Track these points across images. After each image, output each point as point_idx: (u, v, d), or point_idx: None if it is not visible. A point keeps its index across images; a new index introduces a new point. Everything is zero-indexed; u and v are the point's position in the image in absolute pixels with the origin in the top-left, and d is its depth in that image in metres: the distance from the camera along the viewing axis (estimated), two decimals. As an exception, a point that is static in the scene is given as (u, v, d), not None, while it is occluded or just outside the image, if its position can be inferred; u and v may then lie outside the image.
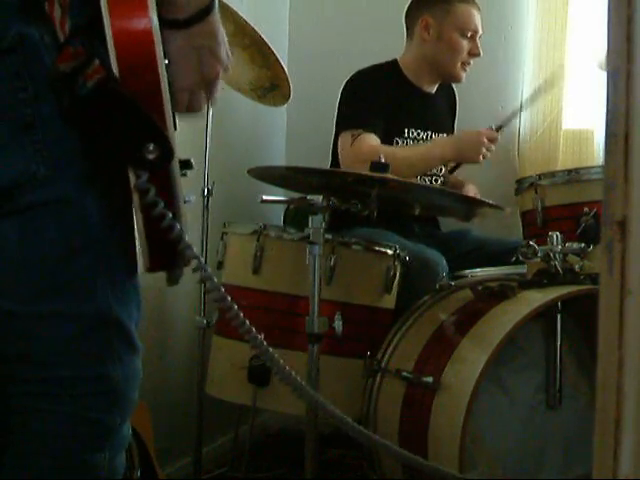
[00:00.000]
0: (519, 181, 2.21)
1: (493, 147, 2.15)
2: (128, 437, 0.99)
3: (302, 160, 2.48)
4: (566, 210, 1.98)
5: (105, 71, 0.82)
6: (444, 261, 1.98)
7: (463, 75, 2.33)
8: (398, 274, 1.84)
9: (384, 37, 2.50)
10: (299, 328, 1.64)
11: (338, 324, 1.70)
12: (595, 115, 2.67)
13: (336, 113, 2.30)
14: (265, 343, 0.98)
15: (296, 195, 1.74)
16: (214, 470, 2.04)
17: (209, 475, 2.00)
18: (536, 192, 2.04)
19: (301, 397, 1.01)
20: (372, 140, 2.17)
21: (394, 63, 2.35)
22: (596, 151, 2.64)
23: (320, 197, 1.60)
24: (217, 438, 2.22)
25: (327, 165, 2.32)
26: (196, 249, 0.89)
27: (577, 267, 1.66)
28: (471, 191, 2.33)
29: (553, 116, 2.68)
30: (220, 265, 1.92)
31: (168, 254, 0.92)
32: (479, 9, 2.31)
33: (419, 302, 1.78)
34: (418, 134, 2.32)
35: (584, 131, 2.70)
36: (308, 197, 1.62)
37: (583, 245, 1.68)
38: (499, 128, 2.20)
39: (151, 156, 0.83)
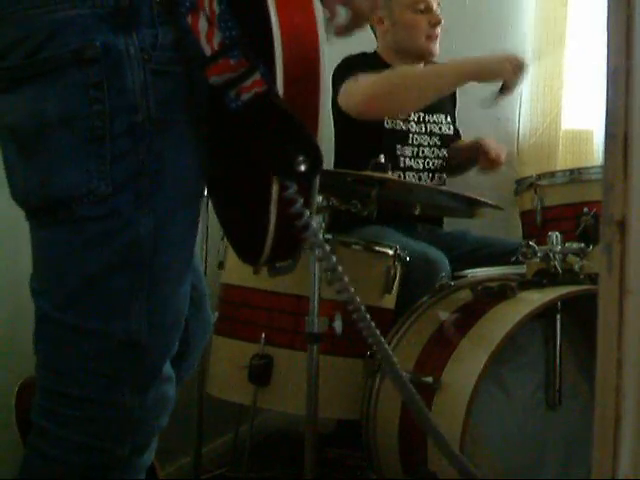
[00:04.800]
0: (518, 181, 2.21)
1: (520, 75, 1.92)
2: (142, 467, 0.96)
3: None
4: (566, 210, 1.98)
5: (266, 84, 0.81)
6: (446, 260, 1.97)
7: (434, 47, 2.26)
8: (398, 274, 1.84)
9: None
10: (301, 328, 1.64)
11: (338, 324, 1.70)
12: (595, 115, 2.67)
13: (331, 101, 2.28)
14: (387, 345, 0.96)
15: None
16: (214, 470, 2.04)
17: (209, 475, 2.00)
18: (535, 192, 2.05)
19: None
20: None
21: (374, 53, 2.33)
22: (596, 151, 2.64)
23: (320, 197, 1.60)
24: (217, 438, 2.21)
25: (329, 165, 2.31)
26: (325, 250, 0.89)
27: (577, 267, 1.66)
28: (491, 144, 2.23)
29: (552, 116, 2.68)
30: (221, 265, 1.92)
31: (286, 251, 0.92)
32: None
33: (419, 302, 1.78)
34: (408, 115, 2.27)
35: (584, 131, 2.71)
36: (308, 197, 1.61)
37: (583, 245, 1.68)
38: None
39: (301, 168, 0.82)
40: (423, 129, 2.30)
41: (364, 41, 2.29)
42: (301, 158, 0.82)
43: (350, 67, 2.16)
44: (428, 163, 2.31)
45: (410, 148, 2.27)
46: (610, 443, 0.52)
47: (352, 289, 0.90)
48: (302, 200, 0.84)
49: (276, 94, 0.81)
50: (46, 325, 0.91)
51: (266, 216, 0.86)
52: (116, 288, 0.88)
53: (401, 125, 2.26)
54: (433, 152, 2.32)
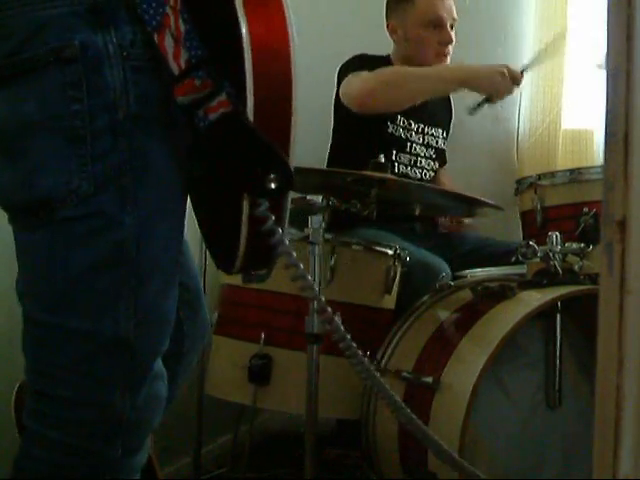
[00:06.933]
0: (519, 181, 2.21)
1: (514, 88, 1.99)
2: (136, 467, 0.95)
3: (302, 160, 2.48)
4: (566, 210, 1.98)
5: (232, 104, 0.81)
6: (447, 267, 1.97)
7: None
8: (398, 274, 1.84)
9: (381, 37, 2.49)
10: (301, 328, 1.63)
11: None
12: (595, 115, 2.67)
13: (334, 100, 2.25)
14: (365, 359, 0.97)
15: (296, 195, 1.74)
16: (214, 470, 2.04)
17: (209, 475, 2.00)
18: (536, 192, 2.04)
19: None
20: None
21: (387, 57, 2.32)
22: (596, 151, 2.65)
23: (320, 197, 1.60)
24: (217, 438, 2.21)
25: (322, 160, 2.31)
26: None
27: (577, 267, 1.66)
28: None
29: (552, 116, 2.68)
30: (219, 265, 1.92)
31: (259, 261, 0.93)
32: None
33: (419, 302, 1.78)
34: (410, 124, 2.27)
35: (584, 131, 2.71)
36: (308, 197, 1.61)
37: (583, 245, 1.68)
38: (523, 70, 2.03)
39: (272, 185, 0.83)
40: (421, 140, 2.30)
41: (378, 45, 2.30)
42: (272, 176, 0.83)
43: (358, 64, 2.17)
44: (425, 175, 2.31)
45: (408, 156, 2.27)
46: (610, 443, 0.52)
47: (329, 309, 0.92)
48: (273, 217, 0.84)
49: (243, 114, 0.81)
50: (33, 327, 0.91)
51: (237, 229, 0.86)
52: (102, 287, 0.87)
53: (401, 132, 2.26)
54: (429, 164, 2.32)
